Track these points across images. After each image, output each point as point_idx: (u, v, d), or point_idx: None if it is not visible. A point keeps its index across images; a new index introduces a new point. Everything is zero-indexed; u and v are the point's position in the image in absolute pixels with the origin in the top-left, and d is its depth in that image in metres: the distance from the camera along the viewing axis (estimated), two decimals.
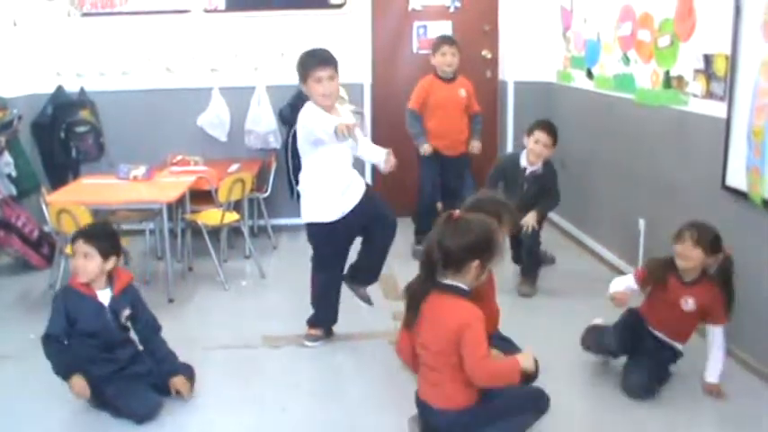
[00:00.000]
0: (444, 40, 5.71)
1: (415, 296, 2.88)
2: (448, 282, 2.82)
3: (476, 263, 2.78)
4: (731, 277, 3.45)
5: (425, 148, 5.62)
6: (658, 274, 3.59)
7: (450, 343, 2.75)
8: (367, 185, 4.17)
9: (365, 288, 4.34)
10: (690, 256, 3.43)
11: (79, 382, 3.36)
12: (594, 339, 3.77)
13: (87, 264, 3.40)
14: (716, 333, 3.51)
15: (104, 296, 3.47)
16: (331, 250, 4.12)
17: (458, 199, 4.74)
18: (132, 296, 3.58)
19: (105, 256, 3.43)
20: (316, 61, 3.93)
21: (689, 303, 3.49)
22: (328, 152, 3.93)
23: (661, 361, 3.59)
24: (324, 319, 4.26)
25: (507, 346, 3.38)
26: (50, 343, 3.40)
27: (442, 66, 5.62)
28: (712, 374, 3.52)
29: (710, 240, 3.42)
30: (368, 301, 4.36)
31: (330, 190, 3.97)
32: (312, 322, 4.26)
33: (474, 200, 3.47)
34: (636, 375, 3.52)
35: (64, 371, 3.40)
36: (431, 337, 2.83)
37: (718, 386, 3.51)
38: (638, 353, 3.61)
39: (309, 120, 3.90)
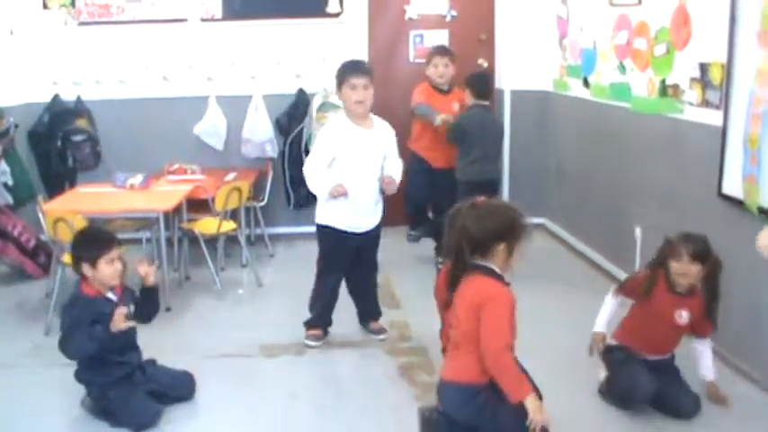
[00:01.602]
0: (437, 51, 5.62)
1: (453, 279, 2.93)
2: (479, 262, 2.88)
3: (502, 246, 2.84)
4: (718, 282, 3.39)
5: (440, 118, 5.32)
6: (646, 286, 3.50)
7: (469, 317, 2.81)
8: (380, 223, 4.29)
9: (376, 322, 4.46)
10: (690, 273, 3.36)
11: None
12: (625, 396, 3.51)
13: (120, 265, 3.52)
14: (705, 343, 3.52)
15: (112, 297, 3.52)
16: (337, 255, 4.23)
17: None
18: (131, 294, 3.66)
19: None
20: (351, 69, 4.10)
21: (683, 317, 3.43)
22: (343, 167, 4.08)
23: (676, 370, 3.56)
24: (322, 320, 4.34)
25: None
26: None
27: (435, 77, 5.55)
28: (710, 371, 3.52)
29: (706, 251, 3.36)
30: (380, 332, 4.41)
31: (343, 200, 4.07)
32: (311, 323, 4.34)
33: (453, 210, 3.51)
34: (686, 398, 3.41)
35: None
36: (458, 315, 2.89)
37: (716, 385, 3.50)
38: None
39: (320, 138, 4.19)
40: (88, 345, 3.34)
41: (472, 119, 5.20)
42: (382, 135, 4.20)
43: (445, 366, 3.00)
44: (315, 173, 4.09)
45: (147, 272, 3.62)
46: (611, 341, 3.62)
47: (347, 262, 4.27)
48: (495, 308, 2.80)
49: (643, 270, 3.70)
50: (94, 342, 3.33)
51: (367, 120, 4.16)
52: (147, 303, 3.67)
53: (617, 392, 3.52)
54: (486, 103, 5.29)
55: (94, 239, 3.55)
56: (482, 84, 5.30)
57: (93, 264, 3.43)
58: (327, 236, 4.21)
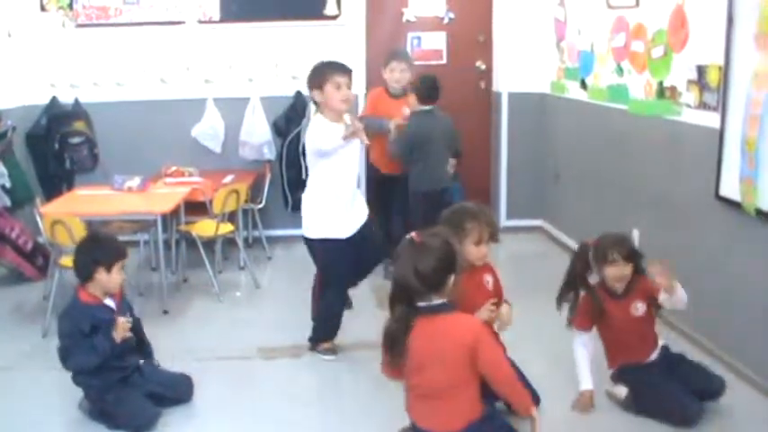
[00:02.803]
0: (394, 55, 5.49)
1: (399, 334, 2.80)
2: (436, 302, 2.79)
3: (451, 278, 2.80)
4: (635, 254, 3.44)
5: (393, 123, 5.20)
6: (597, 307, 3.50)
7: (460, 357, 2.72)
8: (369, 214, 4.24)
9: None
10: (625, 275, 3.43)
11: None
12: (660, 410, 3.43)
13: (124, 275, 3.58)
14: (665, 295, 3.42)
15: (109, 303, 3.53)
16: (343, 268, 4.09)
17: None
18: (128, 303, 3.70)
19: None
20: (335, 68, 4.03)
21: (639, 308, 3.47)
22: (335, 164, 3.99)
23: (679, 358, 3.57)
24: (331, 334, 4.24)
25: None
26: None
27: (391, 82, 5.42)
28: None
29: (633, 247, 3.43)
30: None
31: (338, 204, 4.01)
32: (319, 339, 4.23)
33: (445, 213, 3.49)
34: (693, 404, 3.36)
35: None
36: (432, 362, 2.77)
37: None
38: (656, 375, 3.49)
39: (317, 134, 3.96)
40: (90, 358, 3.36)
41: (414, 129, 5.12)
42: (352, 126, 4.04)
43: (427, 421, 2.85)
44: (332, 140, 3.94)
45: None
46: (610, 371, 3.61)
47: (350, 271, 4.14)
48: (488, 340, 2.79)
49: (567, 293, 3.61)
50: (96, 355, 3.35)
51: (341, 119, 4.04)
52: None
53: (664, 411, 3.37)
54: (430, 108, 5.18)
55: (113, 245, 3.58)
56: (426, 87, 5.19)
57: (109, 268, 3.45)
58: (326, 250, 4.05)
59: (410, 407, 2.92)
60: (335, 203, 4.00)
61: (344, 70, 4.02)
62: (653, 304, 3.49)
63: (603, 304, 3.49)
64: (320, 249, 4.07)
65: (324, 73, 4.00)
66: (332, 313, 4.19)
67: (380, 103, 5.45)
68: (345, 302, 4.30)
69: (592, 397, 3.51)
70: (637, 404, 3.46)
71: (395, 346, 2.81)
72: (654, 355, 3.54)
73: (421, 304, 2.79)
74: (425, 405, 2.85)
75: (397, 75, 5.41)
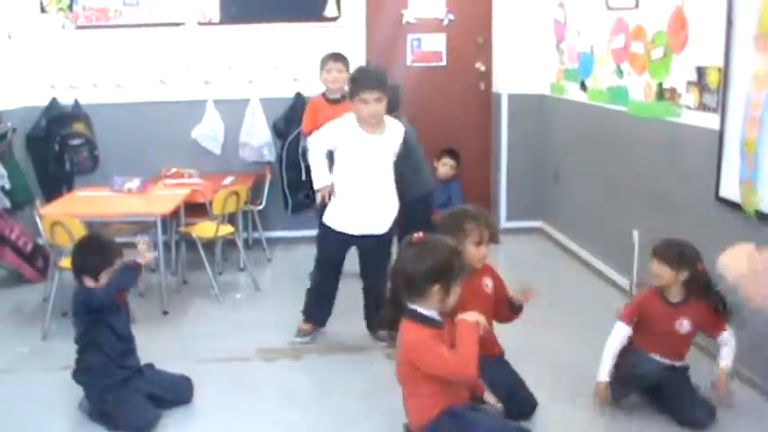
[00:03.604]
0: (330, 55, 5.30)
1: (391, 321, 2.94)
2: (413, 306, 2.88)
3: (436, 287, 2.81)
4: (710, 288, 3.37)
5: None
6: (644, 307, 3.51)
7: (404, 361, 2.89)
8: (390, 230, 4.27)
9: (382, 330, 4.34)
10: (659, 274, 3.42)
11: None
12: (628, 375, 3.53)
13: None
14: (724, 336, 3.45)
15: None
16: (330, 255, 4.34)
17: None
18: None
19: None
20: (362, 84, 4.06)
21: (684, 325, 3.44)
22: (344, 161, 4.15)
23: (689, 381, 3.52)
24: (312, 314, 4.43)
25: (501, 375, 3.38)
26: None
27: (327, 83, 5.27)
28: (723, 359, 3.43)
29: (675, 255, 3.38)
30: (386, 339, 4.30)
31: (345, 201, 4.15)
32: (304, 315, 4.44)
33: (444, 215, 3.51)
34: (702, 409, 3.38)
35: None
36: (398, 360, 2.96)
37: (724, 372, 3.40)
38: (661, 384, 3.48)
39: (328, 127, 4.24)
40: (121, 279, 3.54)
41: None
42: (392, 138, 4.20)
43: (407, 416, 3.03)
44: (317, 164, 4.20)
45: (144, 250, 3.78)
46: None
47: (340, 264, 4.34)
48: (425, 354, 2.81)
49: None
50: (128, 276, 3.58)
51: (378, 126, 4.13)
52: (126, 271, 3.66)
53: (622, 372, 3.47)
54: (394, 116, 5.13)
55: (99, 252, 3.55)
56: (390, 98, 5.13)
57: (96, 277, 3.48)
58: (325, 235, 4.31)
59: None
60: (343, 200, 4.16)
61: (372, 86, 4.03)
62: (705, 330, 3.48)
63: (653, 304, 3.47)
64: (320, 231, 4.39)
65: (355, 85, 4.11)
66: (316, 293, 4.40)
67: (320, 113, 5.23)
68: (330, 291, 4.41)
69: (606, 389, 3.49)
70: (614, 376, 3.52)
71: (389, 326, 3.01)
72: (669, 361, 3.50)
73: (407, 304, 2.88)
74: (402, 391, 3.00)
75: (334, 74, 5.24)
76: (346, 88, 4.98)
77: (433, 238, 2.93)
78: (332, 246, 4.30)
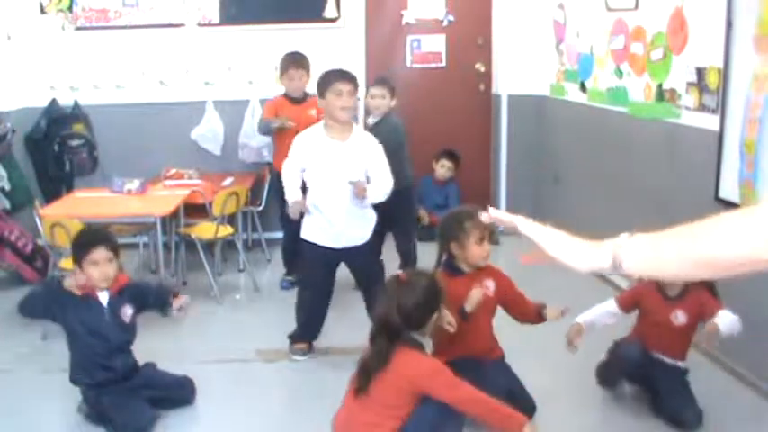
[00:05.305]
0: (291, 62, 5.29)
1: (374, 366, 2.93)
2: (410, 335, 2.97)
3: (435, 316, 2.99)
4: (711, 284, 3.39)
5: (279, 121, 5.05)
6: (640, 297, 3.55)
7: (400, 392, 2.87)
8: (372, 237, 4.19)
9: None
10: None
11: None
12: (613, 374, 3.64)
13: (111, 268, 3.47)
14: (721, 313, 3.34)
15: (103, 297, 3.50)
16: (314, 271, 4.18)
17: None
18: (132, 292, 3.62)
19: (117, 257, 3.53)
20: (337, 75, 4.02)
21: (679, 318, 3.45)
22: (314, 180, 4.06)
23: (685, 382, 3.52)
24: (305, 334, 4.28)
25: (501, 377, 3.39)
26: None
27: (289, 90, 5.30)
28: (720, 318, 3.30)
29: None
30: None
31: (319, 213, 4.04)
32: (295, 337, 4.28)
33: (443, 216, 3.56)
34: (688, 409, 3.38)
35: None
36: (380, 391, 2.90)
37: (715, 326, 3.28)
38: (655, 381, 3.50)
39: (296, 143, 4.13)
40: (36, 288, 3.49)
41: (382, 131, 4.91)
42: (361, 148, 4.04)
43: None
44: (288, 181, 4.11)
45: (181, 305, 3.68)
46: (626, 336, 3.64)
47: (325, 280, 4.18)
48: (443, 376, 2.86)
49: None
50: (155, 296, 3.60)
51: (346, 131, 4.02)
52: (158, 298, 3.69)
53: (607, 360, 3.60)
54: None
55: (78, 239, 3.56)
56: None
57: (80, 265, 3.44)
58: (307, 251, 4.17)
59: None
60: (316, 211, 4.04)
61: (347, 78, 4.00)
62: (702, 317, 3.44)
63: (649, 296, 3.51)
64: (303, 249, 4.21)
65: (325, 81, 4.01)
66: (304, 312, 4.25)
67: (282, 111, 5.27)
68: (322, 309, 4.26)
69: (579, 331, 3.52)
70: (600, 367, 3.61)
71: (366, 377, 2.93)
72: (667, 357, 3.52)
73: (404, 335, 2.94)
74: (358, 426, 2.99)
75: (296, 83, 5.26)
76: (306, 90, 5.11)
77: (416, 272, 3.10)
78: (318, 262, 4.13)
